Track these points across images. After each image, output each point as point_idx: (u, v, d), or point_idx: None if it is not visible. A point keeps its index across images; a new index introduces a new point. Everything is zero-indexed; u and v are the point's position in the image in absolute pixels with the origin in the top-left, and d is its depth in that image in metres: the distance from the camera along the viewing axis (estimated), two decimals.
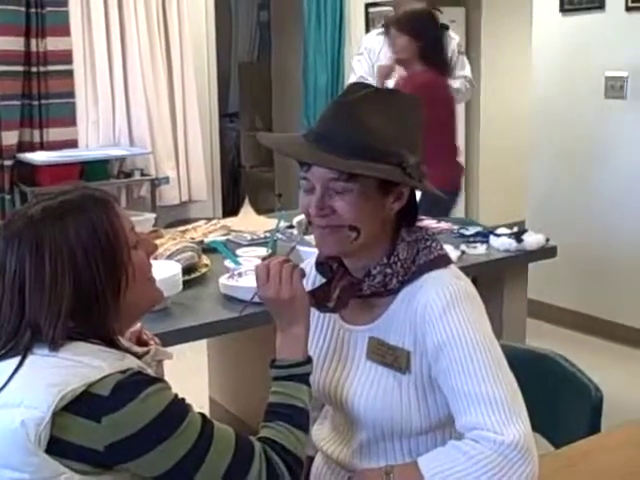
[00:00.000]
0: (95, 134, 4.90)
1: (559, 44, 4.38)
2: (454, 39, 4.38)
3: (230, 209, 5.60)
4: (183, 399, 1.22)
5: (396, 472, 1.30)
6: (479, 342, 1.30)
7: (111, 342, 1.24)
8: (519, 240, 2.72)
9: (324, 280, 1.47)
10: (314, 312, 1.46)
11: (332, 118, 1.34)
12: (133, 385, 1.16)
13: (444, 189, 3.48)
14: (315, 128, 1.37)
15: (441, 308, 1.32)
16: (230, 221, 3.14)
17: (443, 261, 1.40)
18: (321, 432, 1.56)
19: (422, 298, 1.34)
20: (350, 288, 1.40)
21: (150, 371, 1.28)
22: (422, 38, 3.67)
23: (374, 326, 1.41)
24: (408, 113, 1.38)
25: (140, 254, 1.32)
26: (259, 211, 3.47)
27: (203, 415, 1.23)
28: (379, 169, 1.30)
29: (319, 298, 1.43)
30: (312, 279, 1.52)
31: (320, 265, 1.48)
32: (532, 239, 2.74)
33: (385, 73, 3.65)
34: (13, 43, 4.48)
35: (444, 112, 3.73)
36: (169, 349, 2.06)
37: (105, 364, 1.17)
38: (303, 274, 1.40)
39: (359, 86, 1.40)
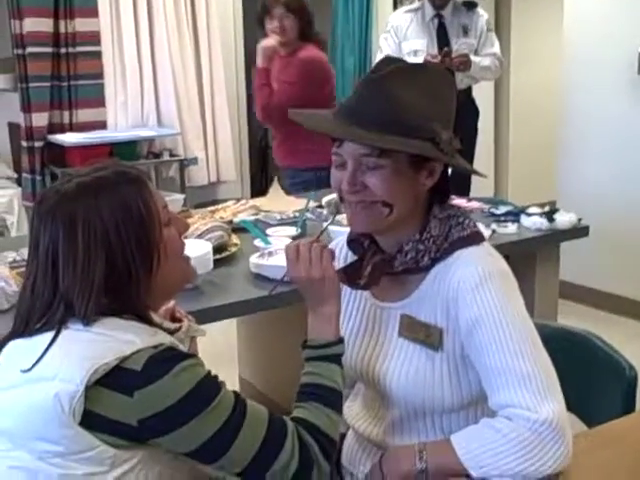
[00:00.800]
0: (124, 115, 4.92)
1: (592, 22, 4.30)
2: (483, 16, 4.33)
3: (258, 189, 5.61)
4: (216, 376, 1.22)
5: (429, 449, 1.30)
6: (513, 318, 1.29)
7: (144, 318, 1.25)
8: (551, 219, 2.69)
9: (355, 257, 1.47)
10: (345, 290, 1.45)
11: (363, 93, 1.33)
12: (165, 360, 1.17)
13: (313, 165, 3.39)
14: (346, 104, 1.36)
15: (474, 284, 1.31)
16: (259, 201, 3.14)
17: (476, 238, 1.39)
18: (353, 409, 1.56)
19: (455, 275, 1.33)
20: (382, 265, 1.39)
21: (183, 347, 1.28)
22: (305, 16, 3.65)
23: (406, 303, 1.40)
24: (440, 87, 1.37)
25: (172, 232, 1.32)
26: (287, 192, 3.46)
27: (236, 392, 1.24)
28: (412, 144, 1.29)
29: (350, 275, 1.43)
30: (343, 256, 1.51)
31: (351, 242, 1.47)
32: (564, 218, 2.71)
33: (269, 54, 3.59)
34: (42, 24, 4.51)
35: (330, 88, 3.76)
36: (203, 327, 2.09)
37: (138, 339, 1.18)
38: (333, 254, 1.39)
39: (390, 61, 1.39)
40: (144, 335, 1.20)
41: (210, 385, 1.20)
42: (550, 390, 1.26)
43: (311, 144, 3.45)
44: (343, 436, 1.59)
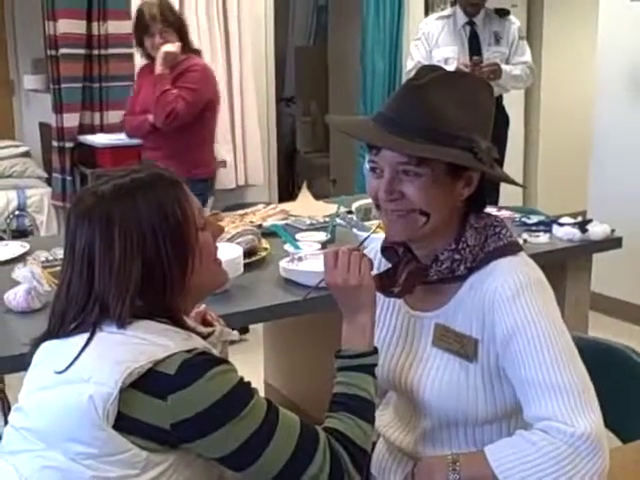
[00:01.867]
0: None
1: (627, 31, 4.25)
2: (515, 24, 4.31)
3: (285, 194, 5.61)
4: (249, 382, 1.22)
5: (462, 461, 1.28)
6: (550, 330, 1.27)
7: (177, 321, 1.25)
8: (583, 230, 2.66)
9: (389, 265, 1.46)
10: (379, 298, 1.44)
11: (402, 101, 1.33)
12: (199, 365, 1.16)
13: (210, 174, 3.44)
14: (384, 111, 1.35)
15: (511, 295, 1.29)
16: (288, 205, 3.14)
17: (513, 248, 1.37)
18: (384, 418, 1.55)
19: (491, 285, 1.32)
20: (417, 273, 1.38)
21: (215, 351, 1.28)
22: (183, 27, 3.70)
23: (441, 312, 1.39)
24: (479, 96, 1.36)
25: (207, 236, 1.32)
26: (314, 197, 3.46)
27: (268, 400, 1.23)
28: (451, 154, 1.29)
29: (384, 283, 1.42)
30: (377, 264, 1.50)
31: (386, 250, 1.46)
32: (597, 229, 2.68)
33: (170, 60, 3.58)
34: (75, 26, 4.53)
35: (217, 94, 3.82)
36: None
37: (171, 343, 1.18)
38: (371, 263, 1.38)
39: (429, 69, 1.38)
40: (178, 339, 1.20)
41: (243, 391, 1.19)
42: (587, 403, 1.24)
43: (202, 154, 3.59)
44: (373, 445, 1.57)
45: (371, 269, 1.38)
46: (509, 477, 1.22)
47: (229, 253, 2.14)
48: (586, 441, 1.21)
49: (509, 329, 1.29)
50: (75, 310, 1.23)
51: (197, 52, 3.81)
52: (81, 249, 1.23)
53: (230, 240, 2.34)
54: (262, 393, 3.63)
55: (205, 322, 1.50)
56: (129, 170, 1.29)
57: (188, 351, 1.18)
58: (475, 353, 1.34)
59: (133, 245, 1.21)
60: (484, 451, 1.27)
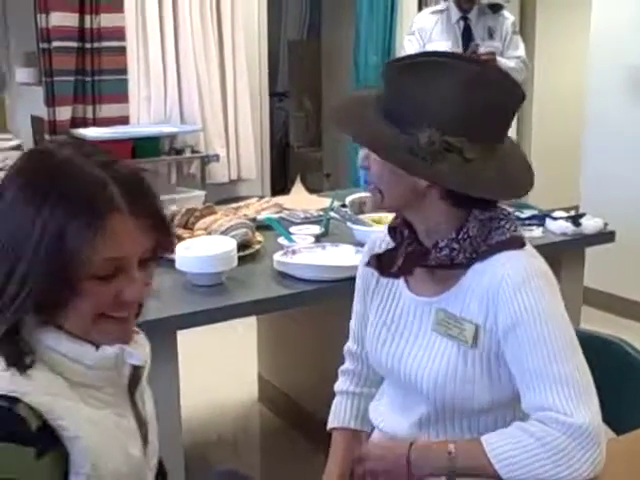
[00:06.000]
0: (146, 111, 4.93)
1: (620, 26, 4.26)
2: (508, 19, 4.31)
3: (278, 189, 5.61)
4: None
5: (459, 449, 1.28)
6: (554, 321, 1.28)
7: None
8: (577, 224, 2.67)
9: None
10: (382, 282, 1.47)
11: (385, 82, 1.37)
12: None
13: None
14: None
15: (517, 284, 1.29)
16: (282, 199, 3.13)
17: (517, 242, 1.37)
18: (379, 408, 1.55)
19: (497, 273, 1.32)
20: (415, 256, 1.39)
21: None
22: None
23: (442, 298, 1.39)
24: (450, 85, 1.28)
25: (100, 290, 1.03)
26: (308, 191, 3.45)
27: None
28: (380, 143, 1.32)
29: (384, 262, 1.43)
30: (385, 245, 1.51)
31: (392, 230, 1.47)
32: (590, 223, 2.68)
33: None
34: (68, 19, 4.52)
35: None
36: (224, 324, 2.08)
37: None
38: None
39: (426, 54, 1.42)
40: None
41: None
42: (587, 395, 1.25)
43: None
44: (368, 436, 1.58)
45: None
46: (506, 467, 1.22)
47: (223, 246, 2.14)
48: (584, 432, 1.21)
49: (513, 317, 1.29)
50: None
51: None
52: None
53: (224, 233, 2.34)
54: (256, 387, 3.63)
55: None
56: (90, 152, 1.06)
57: None
58: (475, 339, 1.34)
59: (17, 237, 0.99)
60: (481, 440, 1.27)
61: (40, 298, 1.00)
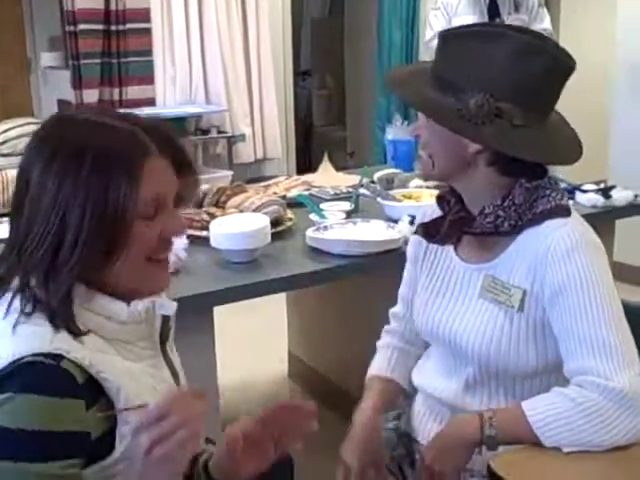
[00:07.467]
0: (172, 92, 4.96)
1: None
2: None
3: (303, 168, 5.61)
4: (62, 452, 0.99)
5: (499, 416, 1.30)
6: (600, 288, 1.30)
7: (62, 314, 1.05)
8: (607, 196, 2.66)
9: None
10: (433, 249, 1.52)
11: (438, 49, 1.41)
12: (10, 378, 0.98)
13: None
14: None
15: (565, 250, 1.32)
16: (310, 177, 3.15)
17: (560, 210, 1.38)
18: (423, 370, 1.58)
19: (546, 240, 1.34)
20: (460, 223, 1.42)
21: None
22: None
23: (491, 265, 1.42)
24: (498, 54, 1.32)
25: (148, 230, 1.09)
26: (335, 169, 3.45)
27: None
28: (431, 105, 1.36)
29: (430, 229, 1.48)
30: (435, 214, 1.54)
31: (440, 199, 1.51)
32: (620, 195, 2.67)
33: None
34: (93, 2, 4.55)
35: None
36: (258, 300, 2.10)
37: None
38: None
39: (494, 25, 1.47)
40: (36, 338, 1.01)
41: (34, 445, 0.97)
42: (629, 362, 1.26)
43: None
44: (411, 400, 1.61)
45: None
46: (546, 432, 1.24)
47: (256, 222, 2.16)
48: (624, 397, 1.23)
49: (560, 283, 1.31)
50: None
51: None
52: (21, 173, 1.08)
53: (256, 210, 2.36)
54: (286, 363, 3.63)
55: None
56: (112, 116, 1.10)
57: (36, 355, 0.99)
58: (522, 303, 1.36)
59: (64, 190, 1.03)
60: (521, 406, 1.29)
61: (95, 254, 1.04)
